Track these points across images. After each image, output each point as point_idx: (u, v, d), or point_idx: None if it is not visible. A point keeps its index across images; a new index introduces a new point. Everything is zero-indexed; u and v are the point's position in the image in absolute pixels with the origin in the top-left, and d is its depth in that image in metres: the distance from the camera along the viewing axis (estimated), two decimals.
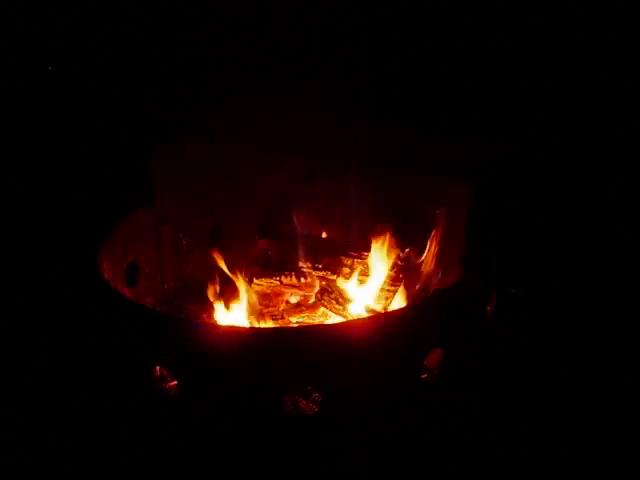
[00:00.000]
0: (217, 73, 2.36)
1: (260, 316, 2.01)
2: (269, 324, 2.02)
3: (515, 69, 2.32)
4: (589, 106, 2.33)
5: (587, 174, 2.38)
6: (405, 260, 2.02)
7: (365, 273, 2.08)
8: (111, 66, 2.56)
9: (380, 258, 2.07)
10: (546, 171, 2.30)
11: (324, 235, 2.26)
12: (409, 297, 2.02)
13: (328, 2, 2.31)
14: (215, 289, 2.07)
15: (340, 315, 1.96)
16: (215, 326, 1.75)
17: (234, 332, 1.66)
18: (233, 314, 2.01)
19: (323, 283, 2.03)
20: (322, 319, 2.04)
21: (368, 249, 2.08)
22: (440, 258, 2.01)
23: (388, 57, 2.37)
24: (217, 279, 2.08)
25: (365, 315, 1.94)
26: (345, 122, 2.20)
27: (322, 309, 2.02)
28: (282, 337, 1.61)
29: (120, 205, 2.21)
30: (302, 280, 2.12)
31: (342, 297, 1.96)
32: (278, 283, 2.13)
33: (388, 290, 2.02)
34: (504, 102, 2.33)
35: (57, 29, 2.55)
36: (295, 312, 2.06)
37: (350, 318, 1.96)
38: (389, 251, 2.06)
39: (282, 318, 2.03)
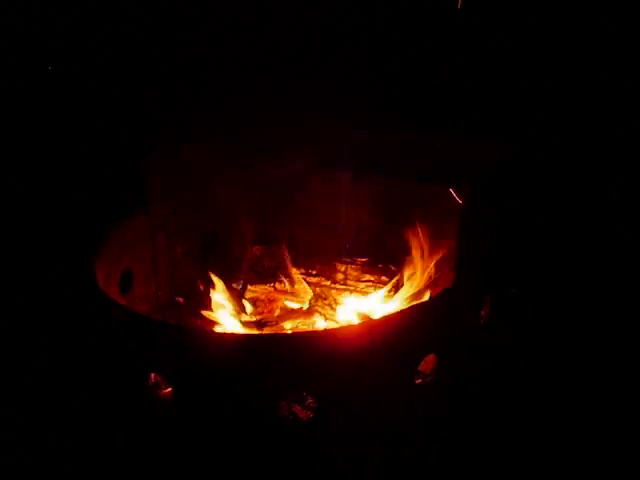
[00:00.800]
0: (217, 73, 2.35)
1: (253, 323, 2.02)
2: (263, 330, 2.02)
3: (516, 70, 2.31)
4: (590, 107, 2.32)
5: (588, 175, 2.37)
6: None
7: (358, 279, 2.08)
8: (111, 66, 2.55)
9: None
10: (547, 172, 2.29)
11: (318, 240, 2.25)
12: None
13: (328, 2, 2.30)
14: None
15: (334, 321, 1.96)
16: (209, 333, 1.75)
17: (228, 339, 1.66)
18: (227, 320, 2.01)
19: (317, 289, 2.03)
20: (316, 325, 2.04)
21: None
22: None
23: (388, 57, 2.36)
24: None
25: (359, 321, 1.93)
26: (344, 123, 2.20)
27: (316, 315, 2.02)
28: (276, 343, 1.60)
29: (120, 205, 2.21)
30: (296, 286, 2.14)
31: (336, 303, 1.96)
32: (272, 289, 2.15)
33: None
34: (505, 103, 2.32)
35: (57, 29, 2.54)
36: (289, 318, 2.06)
37: (344, 324, 1.95)
38: None
39: (276, 324, 2.03)
